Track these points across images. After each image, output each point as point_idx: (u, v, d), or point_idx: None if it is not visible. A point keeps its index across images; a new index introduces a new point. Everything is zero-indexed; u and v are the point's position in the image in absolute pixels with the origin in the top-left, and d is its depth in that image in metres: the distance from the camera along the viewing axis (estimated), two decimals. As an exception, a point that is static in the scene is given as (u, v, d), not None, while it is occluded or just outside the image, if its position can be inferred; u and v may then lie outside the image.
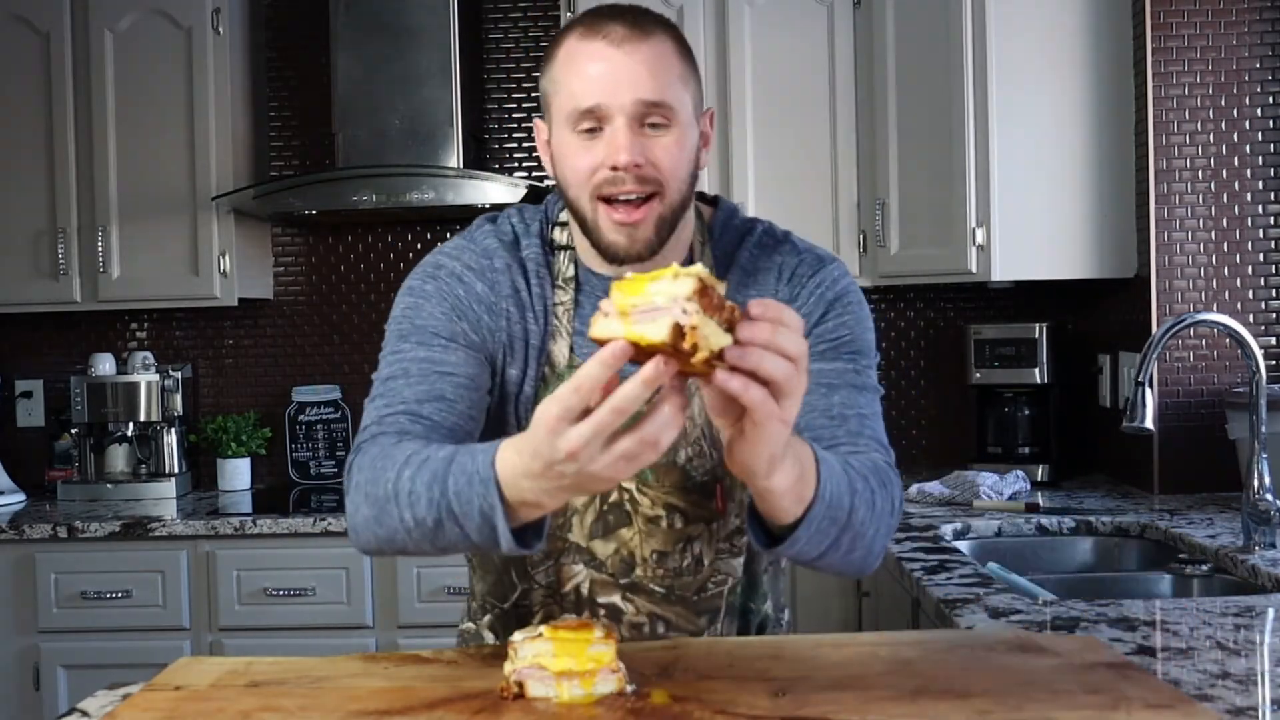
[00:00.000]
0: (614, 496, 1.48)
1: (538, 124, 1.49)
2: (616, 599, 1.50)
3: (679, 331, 1.00)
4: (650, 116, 1.37)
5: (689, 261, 1.48)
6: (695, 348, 1.01)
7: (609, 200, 1.39)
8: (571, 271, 1.50)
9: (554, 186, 1.49)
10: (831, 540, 1.28)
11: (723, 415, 1.10)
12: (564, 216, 1.52)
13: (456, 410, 1.40)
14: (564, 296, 1.49)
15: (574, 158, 1.40)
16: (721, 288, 1.04)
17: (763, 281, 1.48)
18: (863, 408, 1.43)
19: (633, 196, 1.38)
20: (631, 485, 1.47)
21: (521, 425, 1.42)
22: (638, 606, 1.50)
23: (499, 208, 3.32)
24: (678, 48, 1.42)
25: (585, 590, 1.50)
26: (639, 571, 1.49)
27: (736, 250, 1.51)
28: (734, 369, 1.04)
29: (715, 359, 1.03)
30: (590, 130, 1.38)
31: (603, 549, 1.49)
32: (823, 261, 1.51)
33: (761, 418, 1.06)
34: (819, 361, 1.42)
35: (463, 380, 1.41)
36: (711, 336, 1.02)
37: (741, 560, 1.53)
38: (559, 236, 1.52)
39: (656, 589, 1.50)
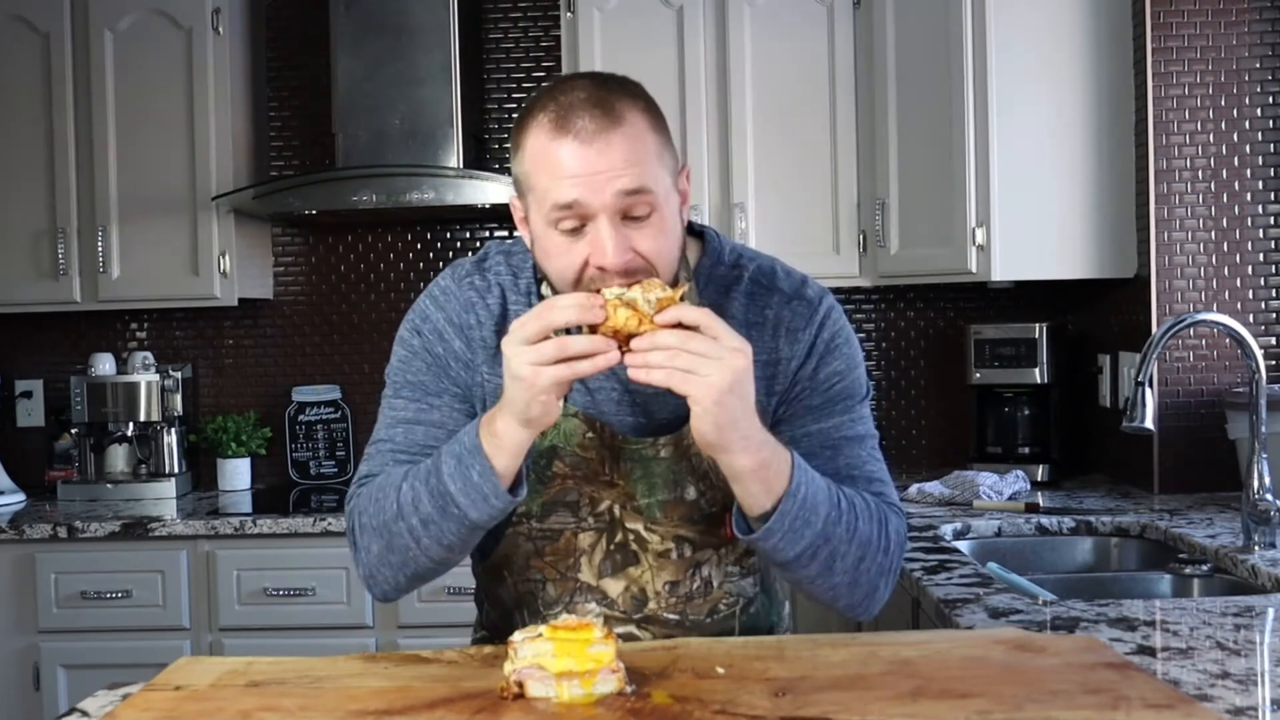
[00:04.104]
0: (619, 537, 1.51)
1: (514, 201, 1.46)
2: (632, 629, 1.52)
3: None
4: (633, 208, 1.34)
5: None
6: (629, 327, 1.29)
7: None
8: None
9: None
10: (807, 544, 1.36)
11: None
12: None
13: None
14: None
15: (557, 256, 1.37)
16: (678, 294, 1.30)
17: (757, 337, 1.47)
18: (865, 461, 1.50)
19: None
20: (639, 525, 1.50)
21: None
22: (653, 633, 1.52)
23: (499, 208, 3.34)
24: (648, 119, 1.37)
25: None
26: (652, 605, 1.52)
27: (725, 303, 1.51)
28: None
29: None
30: (572, 229, 1.35)
31: (613, 587, 1.52)
32: (811, 305, 1.52)
33: (678, 385, 1.27)
34: (818, 421, 1.49)
35: (444, 440, 1.46)
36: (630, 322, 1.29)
37: (753, 579, 1.57)
38: (548, 291, 1.49)
39: (670, 617, 1.52)
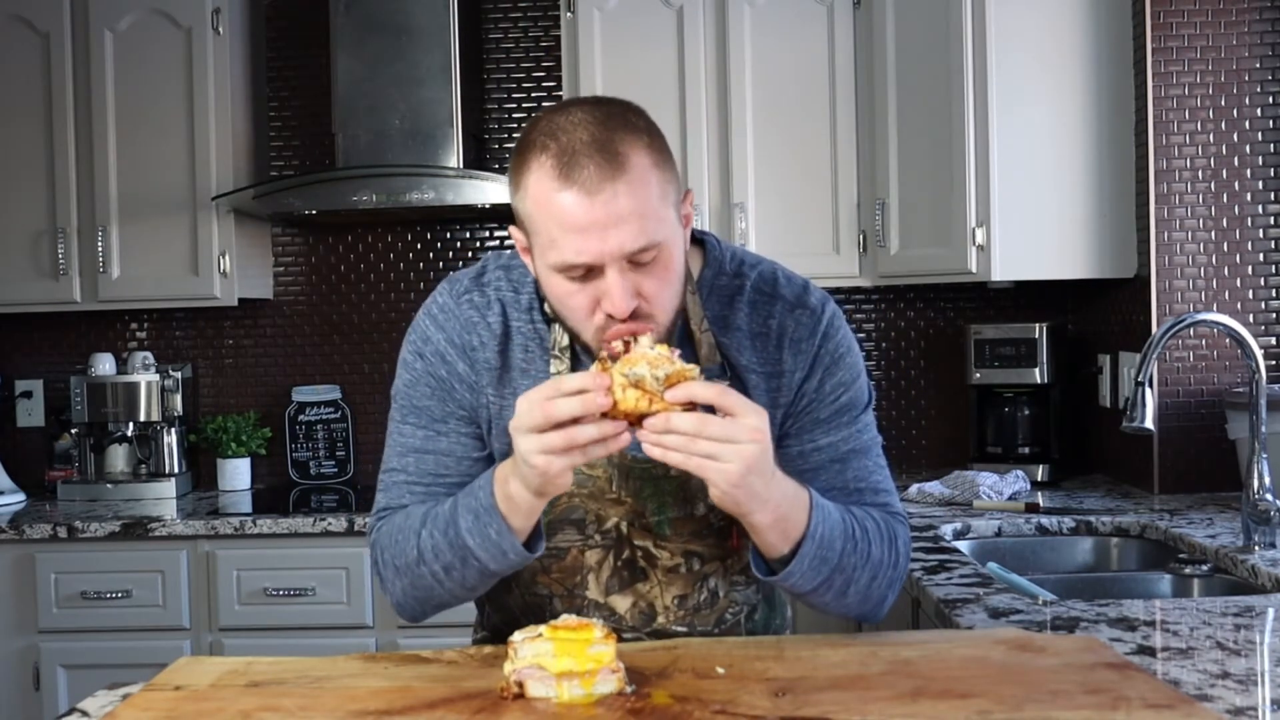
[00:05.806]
0: (627, 554, 1.51)
1: (515, 233, 1.41)
2: (639, 636, 1.53)
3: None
4: (639, 256, 1.32)
5: (682, 325, 1.46)
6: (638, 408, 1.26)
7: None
8: (566, 341, 1.48)
9: None
10: (824, 578, 1.40)
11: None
12: None
13: None
14: (560, 366, 1.48)
15: (564, 298, 1.36)
16: (689, 372, 1.27)
17: (761, 347, 1.49)
18: (872, 471, 1.52)
19: None
20: (648, 542, 1.51)
21: None
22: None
23: (499, 208, 3.34)
24: (651, 155, 1.33)
25: None
26: (660, 619, 1.53)
27: (729, 313, 1.50)
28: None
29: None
30: (579, 276, 1.33)
31: (621, 603, 1.52)
32: (814, 314, 1.52)
33: (695, 470, 1.27)
34: (826, 434, 1.50)
35: (454, 477, 1.50)
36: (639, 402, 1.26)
37: (756, 587, 1.58)
38: (549, 310, 1.47)
39: (678, 629, 1.53)
